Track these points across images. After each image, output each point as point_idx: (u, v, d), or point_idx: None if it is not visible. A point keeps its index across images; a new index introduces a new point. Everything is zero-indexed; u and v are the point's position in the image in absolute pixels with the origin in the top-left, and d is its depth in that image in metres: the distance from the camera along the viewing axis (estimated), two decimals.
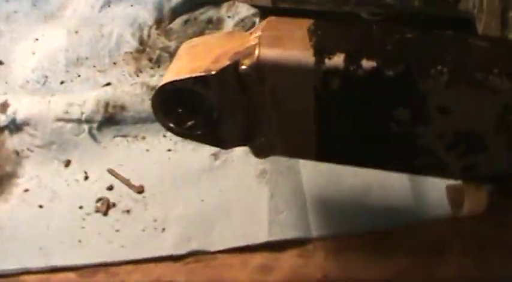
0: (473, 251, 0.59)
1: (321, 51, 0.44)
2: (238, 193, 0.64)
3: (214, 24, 0.83)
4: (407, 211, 0.61)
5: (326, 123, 0.47)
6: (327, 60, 0.43)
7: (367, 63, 0.43)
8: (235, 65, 0.46)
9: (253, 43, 0.46)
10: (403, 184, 0.62)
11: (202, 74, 0.46)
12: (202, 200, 0.64)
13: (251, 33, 0.48)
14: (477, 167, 0.47)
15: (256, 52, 0.45)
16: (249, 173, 0.65)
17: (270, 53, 0.45)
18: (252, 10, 0.81)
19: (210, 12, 0.84)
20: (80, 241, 0.62)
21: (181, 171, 0.66)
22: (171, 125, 0.50)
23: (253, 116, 0.49)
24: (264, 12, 0.77)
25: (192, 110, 0.49)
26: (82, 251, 0.61)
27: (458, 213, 0.53)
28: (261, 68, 0.45)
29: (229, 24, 0.82)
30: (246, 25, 0.81)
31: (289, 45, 0.45)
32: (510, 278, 0.57)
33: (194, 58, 0.50)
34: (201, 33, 0.79)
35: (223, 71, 0.46)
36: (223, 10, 0.84)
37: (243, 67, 0.45)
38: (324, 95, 0.45)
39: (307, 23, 0.47)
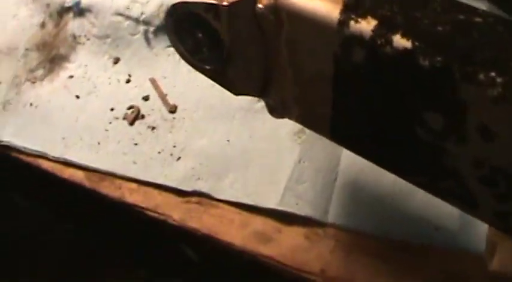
0: None
1: (351, 10, 0.33)
2: (267, 145, 0.56)
3: None
4: (446, 232, 0.49)
5: (343, 99, 0.37)
6: (352, 23, 0.33)
7: (399, 42, 0.32)
8: (253, 1, 0.37)
9: None
10: None
11: (214, 2, 0.38)
12: (228, 141, 0.57)
13: None
14: None
15: None
16: (286, 128, 0.56)
17: None
18: None
19: None
20: (98, 143, 0.60)
21: (219, 102, 0.59)
22: (183, 50, 0.44)
23: (267, 67, 0.41)
24: None
25: (207, 41, 0.42)
26: (97, 154, 0.59)
27: (488, 264, 0.41)
28: (278, 11, 0.36)
29: None
30: None
31: None
32: None
33: None
34: None
35: (236, 4, 0.38)
36: None
37: (260, 6, 0.37)
38: (344, 64, 0.35)
39: None
